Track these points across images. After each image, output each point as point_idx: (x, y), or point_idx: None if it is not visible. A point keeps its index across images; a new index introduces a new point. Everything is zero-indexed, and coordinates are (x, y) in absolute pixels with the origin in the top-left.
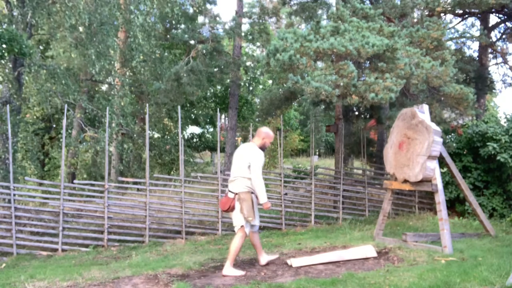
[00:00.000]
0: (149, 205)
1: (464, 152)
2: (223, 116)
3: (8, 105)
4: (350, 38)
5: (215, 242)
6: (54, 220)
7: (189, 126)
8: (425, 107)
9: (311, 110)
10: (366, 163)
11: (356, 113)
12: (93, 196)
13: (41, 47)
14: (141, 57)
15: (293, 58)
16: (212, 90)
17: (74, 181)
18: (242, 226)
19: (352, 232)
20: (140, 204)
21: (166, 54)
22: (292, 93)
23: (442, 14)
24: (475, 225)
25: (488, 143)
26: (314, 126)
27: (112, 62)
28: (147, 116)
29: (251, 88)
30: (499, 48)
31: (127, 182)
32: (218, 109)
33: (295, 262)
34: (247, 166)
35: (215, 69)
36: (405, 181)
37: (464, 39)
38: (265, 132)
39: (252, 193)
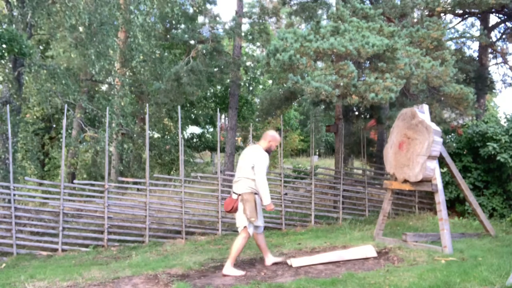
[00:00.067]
0: (149, 205)
1: (464, 152)
2: (223, 116)
3: (8, 105)
4: (350, 38)
5: (215, 242)
6: (54, 220)
7: (189, 126)
8: (425, 107)
9: (311, 110)
10: (366, 163)
11: (356, 113)
12: (93, 196)
13: (41, 47)
14: (141, 57)
15: (293, 58)
16: (212, 90)
17: (74, 181)
18: (245, 227)
19: (352, 232)
20: (140, 204)
21: (166, 54)
22: (292, 93)
23: (442, 14)
24: (475, 225)
25: (488, 143)
26: (314, 126)
27: (112, 62)
28: (147, 116)
29: (251, 88)
30: (499, 48)
31: (127, 182)
32: (218, 109)
33: (295, 262)
34: (251, 167)
35: (215, 69)
36: (405, 181)
37: (464, 39)
38: (272, 135)
39: (255, 194)
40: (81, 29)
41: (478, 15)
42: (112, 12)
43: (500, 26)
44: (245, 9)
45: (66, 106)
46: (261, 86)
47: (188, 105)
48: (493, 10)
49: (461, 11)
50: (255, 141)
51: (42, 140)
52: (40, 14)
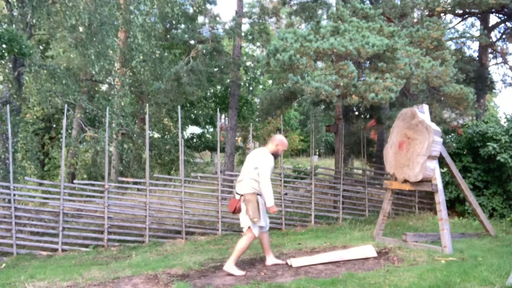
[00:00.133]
0: (149, 205)
1: (464, 152)
2: (223, 116)
3: (8, 105)
4: (350, 38)
5: (215, 242)
6: (54, 220)
7: (189, 126)
8: (425, 107)
9: (311, 110)
10: (366, 163)
11: (356, 113)
12: (93, 196)
13: (41, 47)
14: (141, 57)
15: (293, 58)
16: (212, 90)
17: (74, 181)
18: (249, 227)
19: (352, 232)
20: (140, 204)
21: (166, 54)
22: (292, 93)
23: (442, 14)
24: (475, 225)
25: (488, 143)
26: (314, 126)
27: (112, 62)
28: (147, 116)
29: (251, 88)
30: (499, 48)
31: (127, 182)
32: (218, 109)
33: (295, 262)
34: (255, 168)
35: (215, 69)
36: (405, 181)
37: (464, 39)
38: (280, 139)
39: (258, 194)
40: (81, 29)
41: (478, 15)
42: (112, 12)
43: (500, 26)
44: (245, 9)
45: (66, 106)
46: (261, 86)
47: (188, 105)
48: (493, 10)
49: (461, 11)
50: (255, 141)
51: (42, 140)
52: (40, 14)
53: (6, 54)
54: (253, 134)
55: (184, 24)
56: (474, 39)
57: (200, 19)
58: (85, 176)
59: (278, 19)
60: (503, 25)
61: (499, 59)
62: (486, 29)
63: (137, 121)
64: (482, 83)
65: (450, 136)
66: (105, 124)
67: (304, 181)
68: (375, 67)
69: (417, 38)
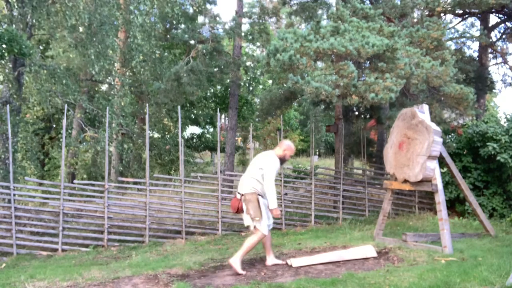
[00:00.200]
0: (149, 205)
1: (464, 152)
2: (223, 116)
3: (8, 105)
4: (350, 38)
5: (215, 242)
6: (54, 220)
7: (189, 126)
8: (425, 107)
9: (311, 110)
10: (366, 163)
11: (356, 113)
12: (93, 196)
13: (41, 47)
14: (141, 57)
15: (293, 58)
16: (212, 90)
17: (74, 181)
18: (255, 227)
19: (352, 232)
20: (140, 204)
21: (166, 54)
22: (292, 93)
23: (442, 14)
24: (475, 225)
25: (488, 143)
26: (314, 126)
27: (112, 62)
28: (147, 116)
29: (251, 88)
30: (499, 48)
31: (127, 182)
32: (218, 109)
33: (295, 262)
34: (259, 169)
35: (215, 69)
36: (405, 181)
37: (464, 39)
38: (288, 145)
39: (258, 194)
40: (81, 29)
41: (478, 15)
42: (112, 12)
43: (500, 26)
44: (245, 9)
45: (66, 106)
46: (261, 86)
47: (188, 105)
48: (493, 10)
49: (461, 11)
50: (255, 141)
51: (42, 140)
52: (40, 14)
53: (6, 54)
54: (253, 134)
55: (184, 24)
56: (474, 39)
57: (200, 19)
58: (85, 176)
59: (278, 19)
60: (503, 25)
61: (499, 59)
62: (486, 29)
63: (137, 121)
64: (482, 83)
65: (450, 136)
66: (105, 124)
67: (304, 181)
68: (375, 67)
69: (417, 38)
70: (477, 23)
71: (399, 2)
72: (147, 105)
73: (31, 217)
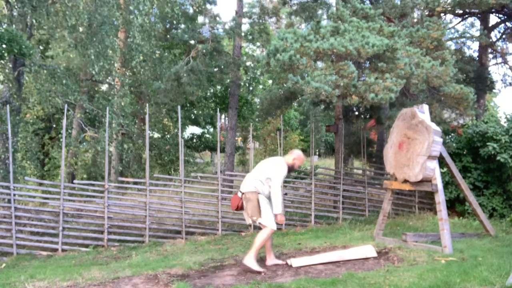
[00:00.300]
0: (149, 205)
1: (464, 152)
2: (223, 116)
3: (8, 105)
4: (350, 38)
5: (215, 242)
6: (54, 220)
7: (189, 126)
8: (425, 107)
9: (311, 110)
10: (366, 163)
11: (356, 113)
12: (93, 196)
13: (41, 47)
14: (141, 57)
15: (293, 58)
16: (212, 90)
17: (74, 181)
18: (261, 224)
19: (352, 232)
20: (140, 204)
21: (166, 54)
22: (292, 93)
23: (442, 14)
24: (475, 225)
25: (488, 143)
26: (314, 126)
27: (112, 62)
28: (147, 116)
29: (251, 88)
30: (499, 48)
31: (127, 182)
32: (218, 109)
33: (295, 262)
34: (266, 171)
35: (215, 69)
36: (405, 181)
37: (464, 39)
38: (298, 154)
39: (259, 193)
40: (81, 29)
41: (478, 15)
42: (112, 12)
43: (500, 26)
44: (245, 9)
45: (66, 106)
46: (261, 86)
47: (188, 105)
48: (493, 10)
49: (461, 11)
50: (255, 141)
51: (42, 140)
52: (40, 14)
53: (6, 54)
54: (253, 134)
55: (184, 24)
56: (474, 39)
57: (200, 19)
58: (85, 176)
59: (278, 19)
60: (503, 25)
61: (499, 59)
62: (486, 29)
63: (137, 121)
64: (482, 83)
65: (450, 136)
66: (105, 124)
67: (304, 181)
68: (375, 67)
69: (417, 38)
70: (477, 23)
71: (399, 2)
72: (147, 105)
73: (31, 217)
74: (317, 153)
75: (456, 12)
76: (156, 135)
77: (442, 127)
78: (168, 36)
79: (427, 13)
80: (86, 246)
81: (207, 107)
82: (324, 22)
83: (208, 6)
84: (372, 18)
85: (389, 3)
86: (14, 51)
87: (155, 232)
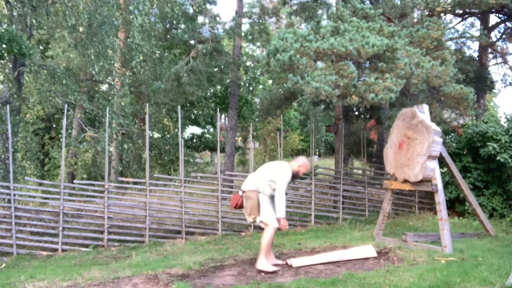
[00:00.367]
0: (149, 205)
1: (464, 152)
2: (223, 116)
3: (8, 105)
4: (350, 38)
5: (215, 242)
6: (54, 220)
7: (189, 126)
8: (425, 107)
9: (311, 110)
10: (366, 163)
11: (356, 113)
12: (93, 196)
13: (41, 47)
14: (141, 57)
15: (293, 58)
16: (212, 90)
17: (74, 181)
18: (261, 221)
19: (352, 232)
20: (140, 204)
21: (166, 54)
22: (292, 93)
23: (442, 14)
24: (475, 225)
25: (488, 143)
26: (314, 126)
27: (112, 62)
28: (147, 116)
29: (251, 88)
30: (499, 48)
31: (127, 182)
32: (218, 109)
33: (295, 262)
34: (271, 173)
35: (215, 69)
36: (405, 181)
37: (464, 39)
38: (303, 162)
39: (259, 193)
40: (81, 29)
41: (478, 15)
42: (112, 12)
43: (500, 26)
44: (245, 9)
45: (66, 106)
46: (261, 86)
47: (188, 105)
48: (493, 10)
49: (461, 11)
50: (255, 141)
51: (42, 140)
52: (40, 14)
53: (6, 54)
54: (253, 134)
55: (184, 24)
56: (474, 39)
57: (200, 19)
58: (85, 176)
59: (278, 19)
60: (503, 25)
61: (499, 59)
62: (486, 29)
63: (137, 121)
64: (482, 83)
65: (450, 136)
66: (105, 124)
67: (304, 181)
68: (375, 67)
69: (417, 38)
70: (477, 23)
71: (399, 2)
72: (147, 105)
73: (31, 217)
74: (317, 153)
75: (456, 12)
76: (156, 135)
77: (442, 127)
78: (168, 36)
79: (427, 13)
80: (86, 246)
81: (207, 107)
82: (324, 22)
83: (208, 6)
84: (372, 18)
85: (389, 3)
86: (14, 51)
87: (155, 232)
